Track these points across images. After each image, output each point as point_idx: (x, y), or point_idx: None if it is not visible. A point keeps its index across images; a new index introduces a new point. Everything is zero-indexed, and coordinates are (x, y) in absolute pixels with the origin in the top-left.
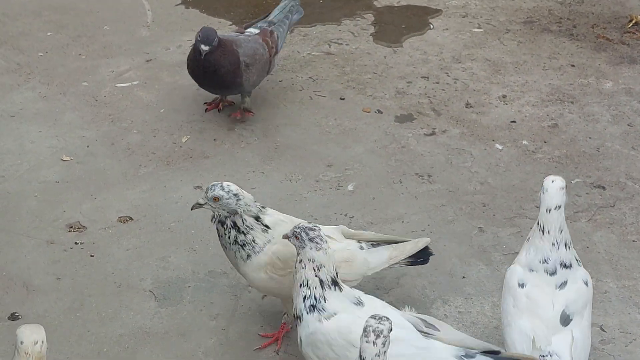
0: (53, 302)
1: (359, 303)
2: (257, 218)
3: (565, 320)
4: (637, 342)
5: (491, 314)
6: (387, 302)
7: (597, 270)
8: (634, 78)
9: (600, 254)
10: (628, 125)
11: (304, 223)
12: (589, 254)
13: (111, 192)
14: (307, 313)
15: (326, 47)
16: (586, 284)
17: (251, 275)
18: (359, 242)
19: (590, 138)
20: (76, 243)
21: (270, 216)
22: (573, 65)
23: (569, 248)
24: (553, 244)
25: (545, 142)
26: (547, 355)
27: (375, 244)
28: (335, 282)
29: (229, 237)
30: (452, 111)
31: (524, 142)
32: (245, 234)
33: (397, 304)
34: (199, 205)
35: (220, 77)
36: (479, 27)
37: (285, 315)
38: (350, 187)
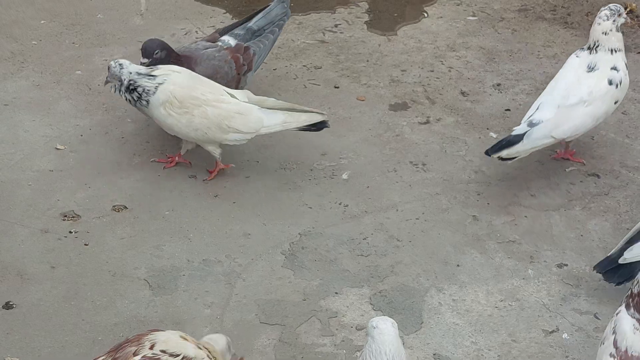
0: (47, 290)
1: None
2: (138, 72)
3: None
4: None
5: (485, 302)
6: (381, 289)
7: (590, 259)
8: (628, 66)
9: (594, 242)
10: (622, 113)
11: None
12: (583, 242)
13: (105, 181)
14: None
15: (320, 35)
16: None
17: (155, 113)
18: (262, 107)
19: None
20: (70, 232)
21: (160, 69)
22: (567, 54)
23: None
24: None
25: None
26: None
27: (277, 109)
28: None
29: (130, 100)
30: (446, 99)
31: None
32: (135, 89)
33: (392, 292)
34: (106, 79)
35: None
36: (474, 15)
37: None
38: (344, 176)
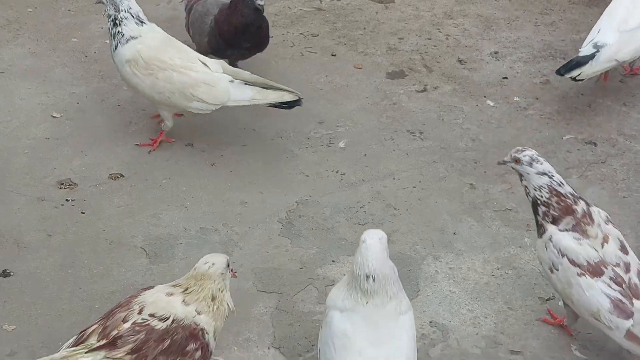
0: (44, 258)
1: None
2: (137, 17)
3: None
4: None
5: (482, 270)
6: None
7: None
8: None
9: None
10: (620, 81)
11: None
12: None
13: (102, 149)
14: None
15: (317, 2)
16: None
17: (119, 67)
18: (235, 78)
19: (582, 94)
20: (67, 200)
21: (149, 25)
22: (565, 21)
23: None
24: None
25: (536, 99)
26: None
27: (250, 83)
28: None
29: (110, 32)
30: (443, 67)
31: (516, 98)
32: (118, 25)
33: None
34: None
35: (265, 33)
36: None
37: (162, 124)
38: (341, 144)
